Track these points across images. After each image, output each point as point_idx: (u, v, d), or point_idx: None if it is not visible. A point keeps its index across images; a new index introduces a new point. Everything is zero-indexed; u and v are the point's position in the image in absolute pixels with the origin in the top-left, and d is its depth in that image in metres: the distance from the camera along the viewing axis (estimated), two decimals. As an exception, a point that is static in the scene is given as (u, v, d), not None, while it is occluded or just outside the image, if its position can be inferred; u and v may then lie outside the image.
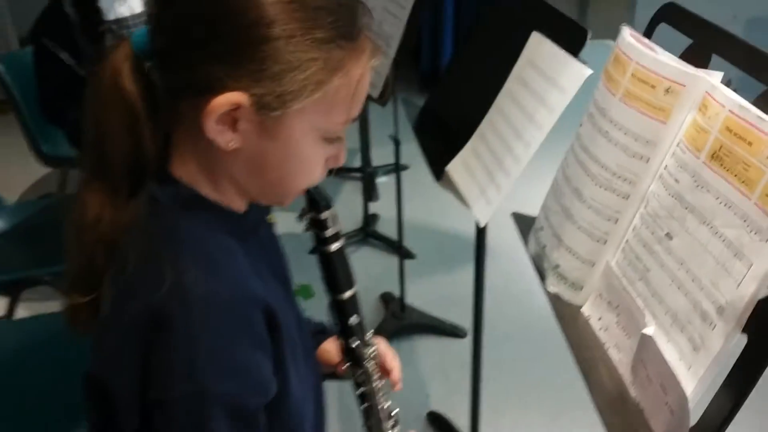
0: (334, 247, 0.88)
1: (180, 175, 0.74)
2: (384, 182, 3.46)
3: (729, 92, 0.77)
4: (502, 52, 1.42)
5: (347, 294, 0.91)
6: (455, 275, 2.76)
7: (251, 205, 0.81)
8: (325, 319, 1.07)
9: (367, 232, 3.01)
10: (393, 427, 1.03)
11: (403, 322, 2.47)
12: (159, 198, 0.73)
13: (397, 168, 2.44)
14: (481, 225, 1.33)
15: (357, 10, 0.71)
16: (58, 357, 1.68)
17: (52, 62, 1.98)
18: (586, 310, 0.97)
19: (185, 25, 0.68)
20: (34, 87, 2.26)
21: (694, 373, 0.72)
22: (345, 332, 0.94)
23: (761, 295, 0.67)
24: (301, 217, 0.88)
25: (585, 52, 1.21)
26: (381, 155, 3.42)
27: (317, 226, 0.87)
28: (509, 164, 1.27)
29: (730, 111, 0.75)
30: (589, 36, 1.24)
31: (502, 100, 1.38)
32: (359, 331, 0.95)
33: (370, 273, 2.76)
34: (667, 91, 0.85)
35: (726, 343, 0.69)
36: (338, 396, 1.96)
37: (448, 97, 1.75)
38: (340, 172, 3.55)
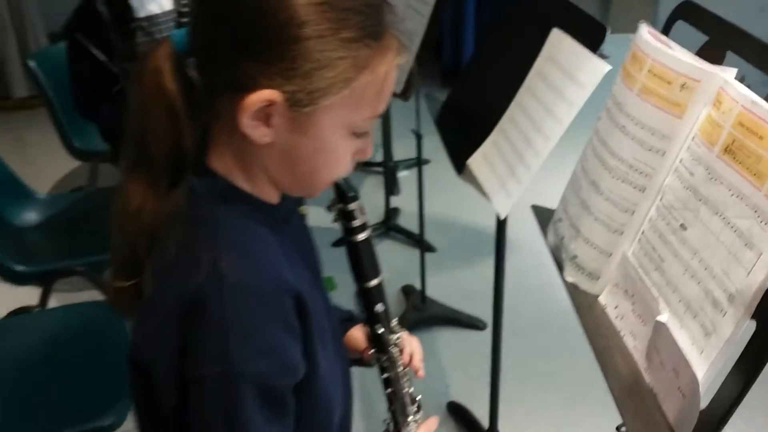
0: (361, 237, 0.91)
1: (217, 167, 0.78)
2: (405, 176, 3.49)
3: (742, 88, 0.80)
4: (523, 48, 1.45)
5: (373, 282, 0.94)
6: (475, 268, 2.79)
7: (284, 197, 0.85)
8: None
9: (389, 226, 3.05)
10: (416, 412, 1.06)
11: (423, 314, 2.51)
12: (197, 189, 0.77)
13: (418, 162, 2.48)
14: (502, 217, 1.36)
15: (383, 10, 0.74)
16: (89, 345, 1.75)
17: (85, 59, 2.03)
18: (602, 300, 1.00)
19: (223, 26, 0.72)
20: (66, 83, 2.32)
21: (706, 357, 0.75)
22: (371, 319, 0.97)
23: (770, 283, 0.69)
24: (329, 208, 0.91)
25: (607, 46, 1.23)
26: (403, 149, 3.46)
27: (345, 216, 0.90)
28: (529, 157, 1.30)
29: (743, 106, 0.78)
30: (608, 32, 1.26)
31: (522, 94, 1.41)
32: (384, 318, 0.98)
33: (392, 266, 2.80)
34: (682, 86, 0.88)
35: (736, 329, 0.72)
36: (359, 384, 2.01)
37: (469, 92, 1.78)
38: (362, 166, 3.59)
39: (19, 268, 1.98)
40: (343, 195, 0.88)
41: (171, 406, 0.74)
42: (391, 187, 3.27)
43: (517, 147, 1.36)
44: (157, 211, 0.77)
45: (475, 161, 1.49)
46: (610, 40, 1.23)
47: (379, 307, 0.96)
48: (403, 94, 2.14)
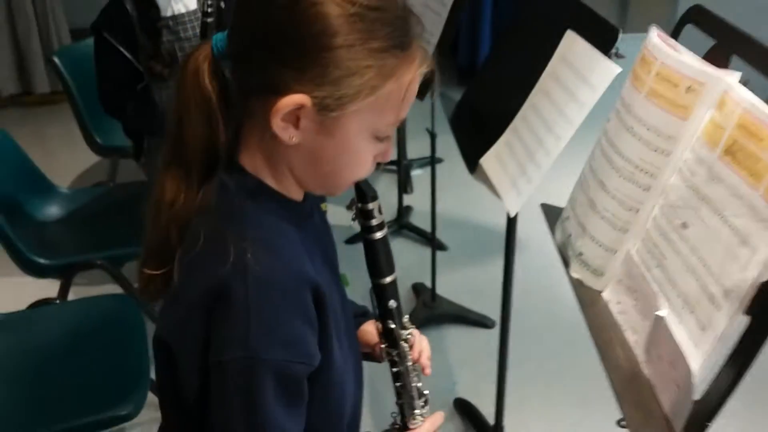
0: (379, 235, 0.95)
1: (247, 165, 0.83)
2: (419, 175, 3.52)
3: (745, 91, 0.83)
4: (537, 49, 1.48)
5: (388, 279, 0.97)
6: (485, 267, 2.81)
7: (306, 194, 0.89)
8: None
9: (401, 224, 3.08)
10: (423, 406, 1.09)
11: (433, 311, 2.55)
12: (228, 185, 0.82)
13: (432, 161, 2.51)
14: (512, 215, 1.39)
15: (410, 22, 0.79)
16: (108, 337, 1.79)
17: (111, 56, 2.08)
18: (606, 295, 1.03)
19: (260, 33, 0.76)
20: (89, 79, 2.37)
21: (701, 351, 0.77)
22: (384, 315, 1.00)
23: (763, 278, 0.72)
24: (349, 207, 0.95)
25: (625, 45, 1.25)
26: (416, 148, 3.49)
27: (364, 215, 0.94)
28: (540, 157, 1.33)
29: (744, 109, 0.80)
30: (626, 32, 1.28)
31: (535, 95, 1.44)
32: (397, 314, 1.01)
33: (403, 263, 2.83)
34: (688, 89, 0.91)
35: (730, 324, 0.74)
36: (369, 379, 2.04)
37: (483, 92, 1.81)
38: (378, 164, 3.61)
39: (41, 260, 2.03)
40: (363, 194, 0.92)
41: (193, 387, 0.78)
42: (405, 186, 3.30)
43: (529, 146, 1.39)
44: (190, 204, 0.82)
45: (487, 160, 1.52)
46: (629, 40, 1.24)
47: (392, 303, 0.99)
48: (420, 94, 2.17)
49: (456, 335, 2.49)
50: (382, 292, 0.98)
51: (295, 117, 0.77)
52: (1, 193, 2.07)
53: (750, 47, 0.88)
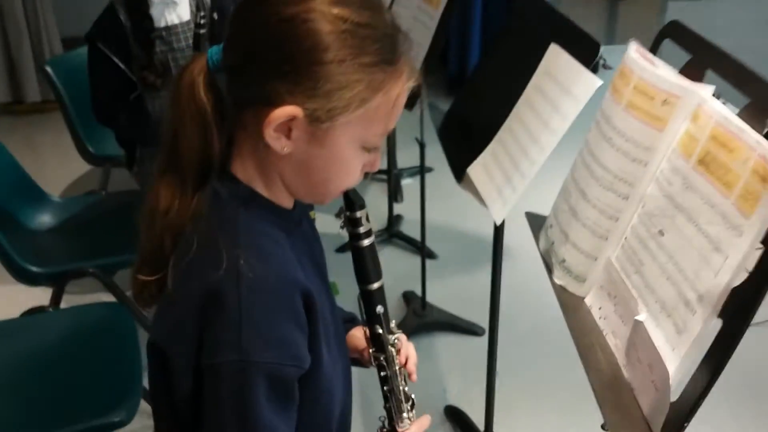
0: (367, 242, 0.97)
1: (239, 174, 0.86)
2: (409, 184, 3.55)
3: (717, 104, 0.86)
4: (523, 61, 1.51)
5: (375, 285, 1.00)
6: (475, 275, 2.84)
7: (296, 202, 0.92)
8: (350, 313, 1.17)
9: (392, 233, 3.11)
10: (410, 409, 1.12)
11: (423, 319, 2.57)
12: (220, 193, 0.84)
13: (421, 170, 2.54)
14: (498, 223, 1.42)
15: (398, 39, 0.82)
16: (101, 344, 1.80)
17: (105, 66, 2.10)
18: (588, 301, 1.06)
19: (254, 47, 0.79)
20: (80, 88, 2.39)
21: (677, 353, 0.80)
22: (371, 320, 1.03)
23: (734, 284, 0.75)
24: (338, 215, 0.98)
25: (612, 57, 1.28)
26: (407, 157, 3.52)
27: (352, 223, 0.96)
28: (525, 167, 1.36)
29: (716, 122, 0.84)
30: (614, 43, 1.32)
31: (520, 106, 1.47)
32: (384, 319, 1.04)
33: (393, 272, 2.85)
34: (664, 102, 0.94)
35: (704, 326, 0.78)
36: (359, 387, 2.07)
37: (470, 103, 1.84)
38: (366, 174, 3.64)
39: (34, 268, 2.04)
40: (351, 203, 0.94)
41: (187, 390, 0.80)
42: (395, 195, 3.33)
43: (514, 157, 1.42)
44: (184, 211, 0.84)
45: (474, 170, 1.55)
46: (618, 52, 1.28)
47: (379, 309, 1.02)
48: (409, 105, 2.21)
49: (446, 343, 2.51)
50: (369, 298, 1.00)
51: (287, 128, 0.80)
52: (-6, 201, 2.08)
53: (723, 62, 0.92)
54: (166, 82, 2.11)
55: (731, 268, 0.75)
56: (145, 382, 0.91)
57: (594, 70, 1.28)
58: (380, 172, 3.52)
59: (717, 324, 0.77)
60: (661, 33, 1.11)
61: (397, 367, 1.07)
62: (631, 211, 1.00)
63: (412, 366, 1.11)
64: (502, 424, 1.98)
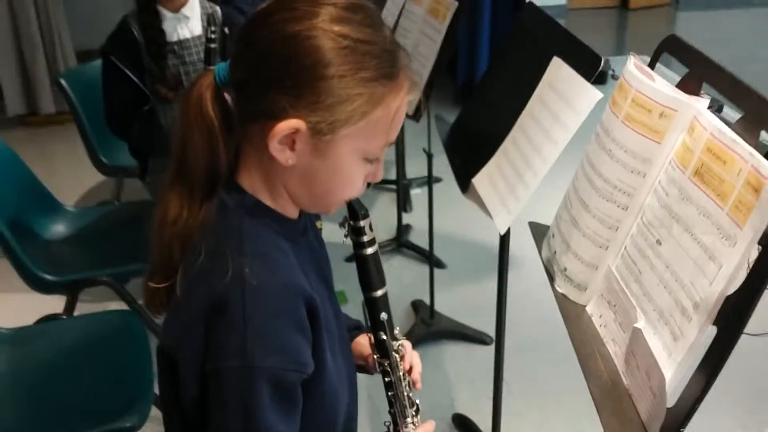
0: (370, 251, 1.00)
1: (245, 184, 0.89)
2: (418, 194, 3.58)
3: (712, 117, 0.88)
4: (527, 74, 1.54)
5: (379, 292, 1.03)
6: (483, 284, 2.86)
7: (301, 212, 0.95)
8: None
9: (400, 242, 3.13)
10: (415, 414, 1.14)
11: (432, 328, 2.59)
12: (227, 203, 0.88)
13: (429, 180, 2.57)
14: (501, 233, 1.44)
15: (398, 54, 0.86)
16: (113, 351, 1.84)
17: (119, 79, 2.15)
18: (589, 309, 1.08)
19: (260, 63, 0.83)
20: (94, 100, 2.44)
21: (674, 360, 0.82)
22: (375, 326, 1.06)
23: (728, 292, 0.77)
24: (342, 224, 1.00)
25: (621, 68, 1.31)
26: (416, 168, 3.55)
27: (356, 232, 0.99)
28: (528, 177, 1.39)
29: (711, 134, 0.86)
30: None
31: (524, 118, 1.50)
32: (388, 326, 1.06)
33: (402, 281, 2.88)
34: (661, 115, 0.96)
35: (700, 334, 0.80)
36: (368, 395, 2.09)
37: (475, 115, 1.87)
38: (376, 184, 3.68)
39: (48, 277, 2.08)
40: (354, 213, 0.97)
41: (193, 394, 0.83)
42: (404, 205, 3.36)
43: (518, 167, 1.44)
44: (192, 220, 0.87)
45: (479, 180, 1.58)
46: (624, 62, 1.30)
47: (383, 316, 1.04)
48: (415, 116, 2.24)
49: (454, 351, 2.53)
50: (373, 305, 1.03)
51: (291, 140, 0.83)
52: (9, 211, 2.12)
53: (718, 75, 0.94)
54: (178, 95, 2.16)
55: (725, 276, 0.77)
56: (156, 388, 0.94)
57: (602, 80, 1.30)
58: (389, 182, 3.56)
59: (712, 331, 0.79)
60: (659, 47, 1.14)
61: (400, 373, 1.09)
62: (630, 221, 1.02)
63: (416, 375, 1.13)
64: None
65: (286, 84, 0.81)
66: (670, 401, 0.82)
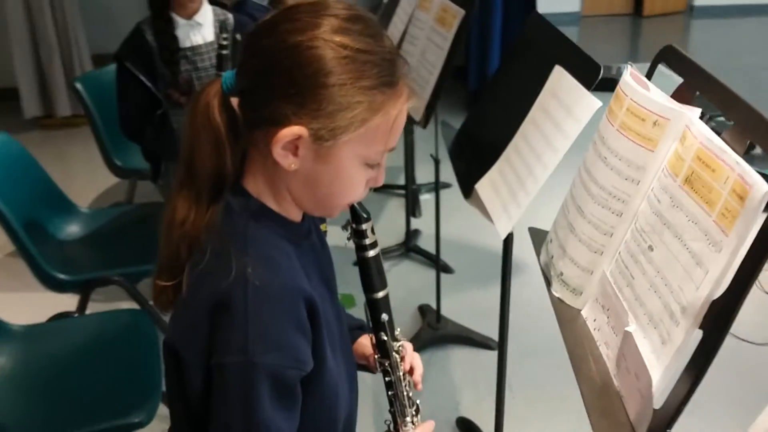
0: (372, 253, 1.03)
1: (250, 188, 0.93)
2: (427, 199, 3.61)
3: (703, 126, 0.91)
4: (530, 82, 1.56)
5: (380, 294, 1.06)
6: (489, 289, 2.87)
7: (305, 215, 0.98)
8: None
9: (409, 247, 3.16)
10: (415, 414, 1.16)
11: (438, 332, 2.61)
12: (233, 206, 0.91)
13: (436, 186, 2.60)
14: (502, 237, 1.47)
15: (397, 63, 0.89)
16: (123, 349, 1.88)
17: (132, 84, 2.20)
18: (584, 313, 1.11)
19: (264, 72, 0.86)
20: (109, 104, 2.49)
21: (662, 362, 0.85)
22: (376, 327, 1.08)
23: (714, 297, 0.80)
24: (344, 227, 1.04)
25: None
26: (425, 173, 3.58)
27: (358, 235, 1.02)
28: (530, 184, 1.41)
29: (701, 143, 0.88)
30: (636, 61, 1.36)
31: (526, 125, 1.53)
32: (389, 327, 1.09)
33: (410, 286, 2.90)
34: (654, 124, 0.99)
35: (686, 337, 0.82)
36: (371, 394, 2.11)
37: (480, 122, 1.90)
38: (385, 189, 3.73)
39: (61, 276, 2.13)
40: (357, 216, 1.00)
41: (198, 389, 0.86)
42: (413, 210, 3.39)
43: (520, 174, 1.47)
44: (199, 222, 0.91)
45: (482, 186, 1.60)
46: (640, 70, 1.32)
47: (384, 317, 1.07)
48: (422, 122, 2.27)
49: (460, 356, 2.55)
50: (374, 306, 1.06)
51: (294, 146, 0.86)
52: (25, 211, 2.17)
53: (710, 86, 0.96)
54: (190, 100, 2.20)
55: (711, 281, 0.80)
56: (165, 387, 0.98)
57: (612, 88, 1.32)
58: (399, 187, 3.60)
59: (698, 335, 0.81)
60: (656, 57, 1.16)
61: (400, 373, 1.11)
62: (624, 227, 1.04)
63: (417, 377, 1.16)
64: (513, 436, 2.01)
65: (289, 92, 0.85)
66: (658, 403, 0.84)
